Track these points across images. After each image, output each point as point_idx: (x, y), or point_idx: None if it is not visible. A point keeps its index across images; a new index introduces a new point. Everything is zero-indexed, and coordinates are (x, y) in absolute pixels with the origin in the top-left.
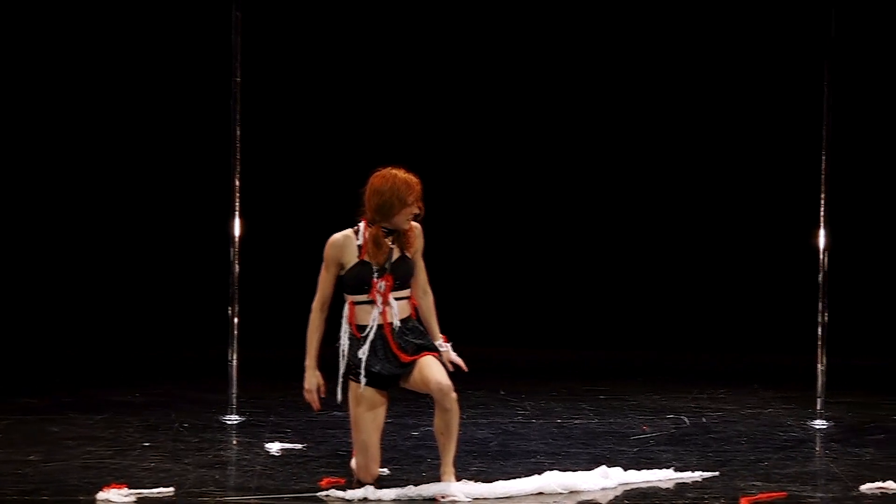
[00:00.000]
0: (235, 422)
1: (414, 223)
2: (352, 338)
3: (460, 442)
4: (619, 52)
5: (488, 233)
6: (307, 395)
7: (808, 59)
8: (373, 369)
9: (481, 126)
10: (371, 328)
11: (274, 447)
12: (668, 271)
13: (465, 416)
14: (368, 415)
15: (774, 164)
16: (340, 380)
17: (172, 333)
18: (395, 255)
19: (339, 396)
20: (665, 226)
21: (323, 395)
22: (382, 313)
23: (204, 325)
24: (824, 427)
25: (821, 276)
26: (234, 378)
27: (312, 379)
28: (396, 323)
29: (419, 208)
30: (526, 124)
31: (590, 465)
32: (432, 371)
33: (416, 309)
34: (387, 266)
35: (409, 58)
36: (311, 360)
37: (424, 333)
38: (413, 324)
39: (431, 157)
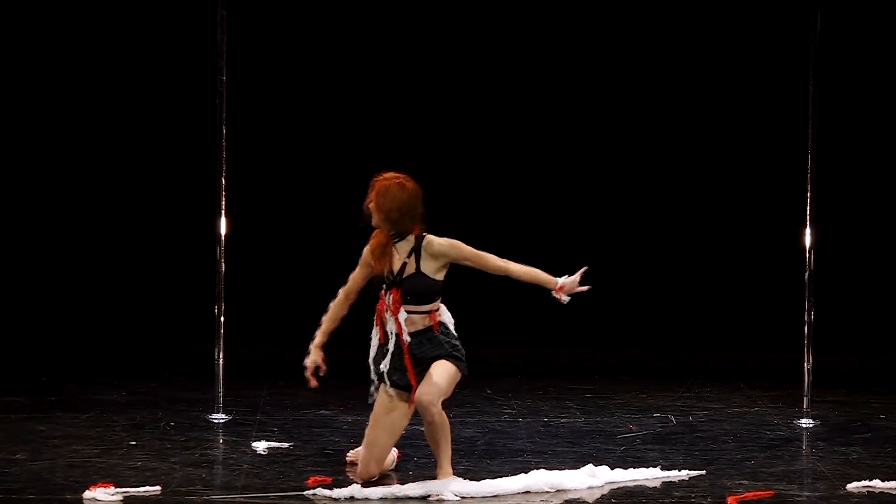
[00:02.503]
0: (222, 420)
1: (434, 238)
2: (379, 343)
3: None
4: (612, 55)
5: (475, 231)
6: (307, 371)
7: (793, 59)
8: (392, 378)
9: (472, 125)
10: (390, 340)
11: (261, 446)
12: (655, 270)
13: (451, 415)
14: (385, 416)
15: (760, 162)
16: (373, 378)
17: (159, 332)
18: (411, 269)
19: (371, 396)
20: (652, 224)
21: (322, 374)
22: (396, 324)
23: (190, 324)
24: (811, 426)
25: (807, 274)
26: (221, 377)
27: (312, 356)
28: (406, 338)
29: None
30: (513, 124)
31: (576, 464)
32: (423, 383)
33: (439, 323)
34: (398, 280)
35: (396, 56)
36: (317, 339)
37: (444, 344)
38: (432, 335)
39: (422, 156)
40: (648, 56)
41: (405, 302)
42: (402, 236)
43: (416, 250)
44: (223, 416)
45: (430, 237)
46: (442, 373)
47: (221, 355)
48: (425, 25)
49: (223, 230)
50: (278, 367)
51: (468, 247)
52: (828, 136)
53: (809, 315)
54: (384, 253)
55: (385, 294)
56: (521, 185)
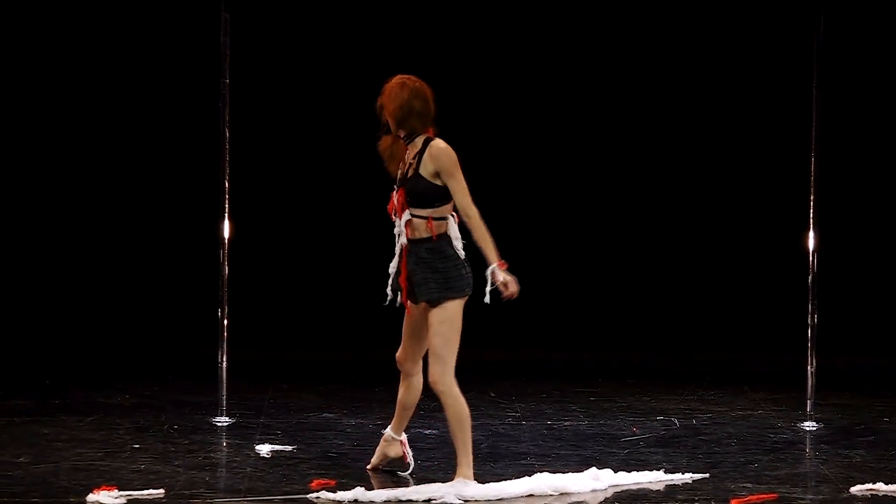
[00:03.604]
0: (225, 423)
1: (437, 143)
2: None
3: (449, 445)
4: (613, 56)
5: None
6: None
7: (797, 61)
8: (395, 280)
9: (476, 128)
10: (397, 242)
11: (264, 449)
12: (659, 272)
13: None
14: (408, 318)
15: (764, 165)
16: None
17: (162, 335)
18: (412, 170)
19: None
20: (655, 227)
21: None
22: (400, 227)
23: (193, 327)
24: (814, 429)
25: (810, 277)
26: (224, 380)
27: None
28: (403, 240)
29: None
30: (519, 125)
31: (580, 467)
32: (430, 359)
33: (440, 235)
34: (402, 180)
35: (399, 58)
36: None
37: (437, 273)
38: (425, 254)
39: None
40: (652, 59)
41: (409, 204)
42: (411, 138)
43: (421, 153)
44: (227, 419)
45: (436, 141)
46: (440, 341)
47: (225, 358)
48: (427, 27)
49: (226, 233)
50: (282, 370)
51: (455, 168)
52: (831, 139)
53: (813, 318)
54: (392, 154)
55: (394, 194)
56: (525, 186)
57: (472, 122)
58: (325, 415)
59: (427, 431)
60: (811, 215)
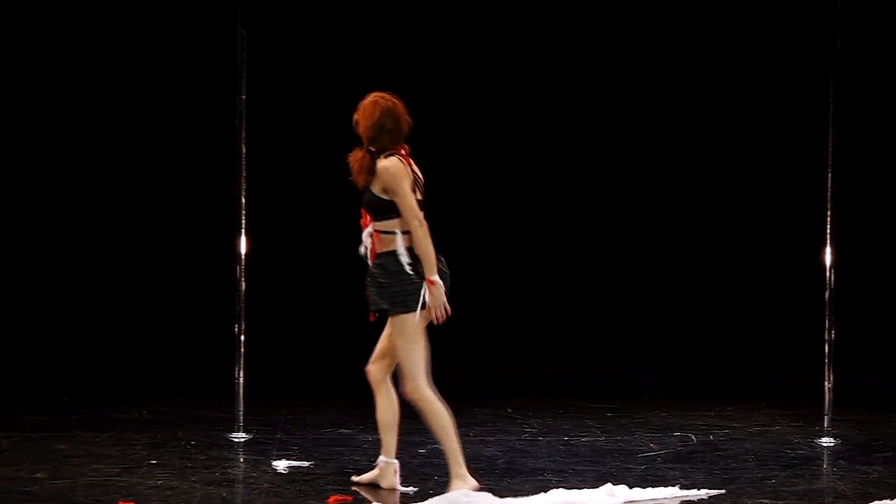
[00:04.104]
0: (242, 439)
1: (382, 161)
2: None
3: (467, 459)
4: (622, 63)
5: (490, 249)
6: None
7: (813, 76)
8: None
9: (477, 141)
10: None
11: (281, 465)
12: (675, 288)
13: (471, 434)
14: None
15: (781, 181)
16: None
17: (179, 350)
18: (370, 186)
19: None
20: (672, 241)
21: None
22: (363, 239)
23: (210, 342)
24: (832, 444)
25: (827, 293)
26: (241, 395)
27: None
28: (362, 250)
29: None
30: (521, 134)
31: (596, 483)
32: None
33: (386, 251)
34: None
35: (414, 76)
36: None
37: (381, 294)
38: (378, 266)
39: (428, 162)
40: (666, 70)
41: (372, 219)
42: (381, 154)
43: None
44: (244, 434)
45: (383, 159)
46: (401, 355)
47: (242, 374)
48: (439, 40)
49: (243, 249)
50: (298, 386)
51: (396, 184)
52: (848, 155)
53: (830, 333)
54: (361, 167)
55: (363, 208)
56: (539, 199)
57: (477, 136)
58: (341, 430)
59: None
60: (828, 231)
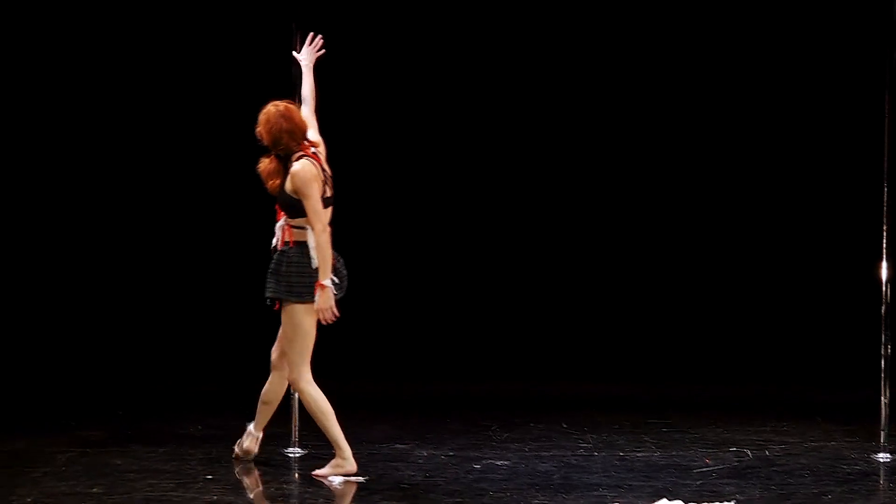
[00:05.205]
0: (298, 455)
1: (295, 166)
2: None
3: (522, 474)
4: (664, 72)
5: (548, 267)
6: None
7: (870, 88)
8: None
9: (488, 148)
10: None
11: (336, 480)
12: (731, 304)
13: (526, 449)
14: None
15: (836, 195)
16: None
17: (235, 365)
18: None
19: None
20: (729, 258)
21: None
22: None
23: (266, 358)
24: (888, 460)
25: (883, 308)
26: (297, 410)
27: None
28: (274, 242)
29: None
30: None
31: (652, 498)
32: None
33: (297, 241)
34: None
35: (463, 91)
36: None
37: (279, 281)
38: (282, 254)
39: (434, 166)
40: (714, 78)
41: (284, 214)
42: (289, 156)
43: (288, 169)
44: (299, 450)
45: (295, 165)
46: (286, 343)
47: None
48: (437, 37)
49: None
50: (353, 401)
51: (305, 188)
52: None
53: (886, 349)
54: (269, 174)
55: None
56: (599, 213)
57: (481, 141)
58: (396, 445)
59: (499, 462)
60: (884, 245)
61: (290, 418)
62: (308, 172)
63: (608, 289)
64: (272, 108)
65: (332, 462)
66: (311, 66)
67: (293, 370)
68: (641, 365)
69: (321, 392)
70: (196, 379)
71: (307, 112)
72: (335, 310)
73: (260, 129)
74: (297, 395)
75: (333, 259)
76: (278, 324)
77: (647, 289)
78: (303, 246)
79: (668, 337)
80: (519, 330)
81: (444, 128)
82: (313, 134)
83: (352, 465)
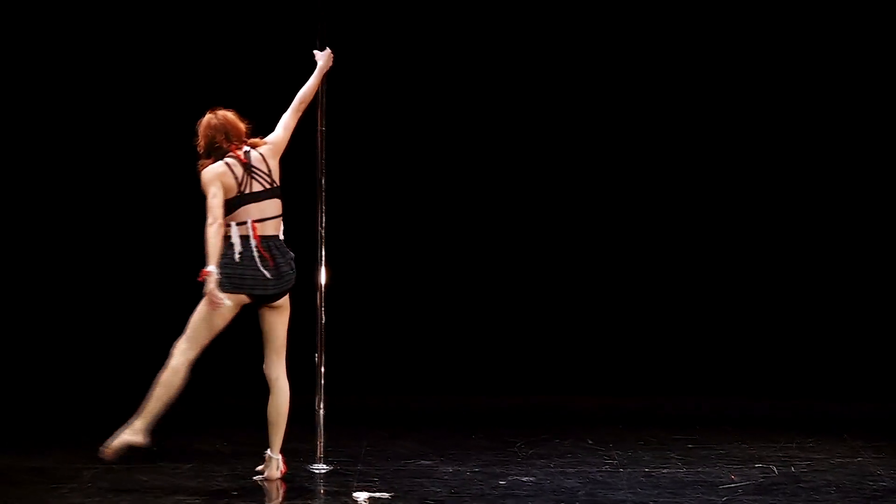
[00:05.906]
0: (323, 471)
1: (203, 169)
2: None
3: (548, 490)
4: (652, 82)
5: (577, 281)
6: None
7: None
8: None
9: (498, 147)
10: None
11: (361, 496)
12: (757, 319)
13: (552, 465)
14: None
15: (863, 206)
16: None
17: (259, 382)
18: None
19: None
20: (754, 271)
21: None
22: None
23: (291, 374)
24: None
25: None
26: (322, 426)
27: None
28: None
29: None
30: (595, 156)
31: None
32: None
33: (227, 237)
34: None
35: (493, 109)
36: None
37: (221, 266)
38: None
39: (437, 171)
40: (719, 88)
41: None
42: (220, 158)
43: None
44: (324, 466)
45: (215, 162)
46: (195, 315)
47: (322, 405)
48: (435, 37)
49: (323, 280)
50: (379, 417)
51: (204, 188)
52: None
53: None
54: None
55: None
56: (626, 221)
57: (494, 143)
58: (421, 462)
59: (525, 478)
60: None
61: (315, 435)
62: (207, 173)
63: (634, 304)
64: (211, 120)
65: (125, 428)
66: (323, 69)
67: (182, 339)
68: (666, 380)
69: (186, 375)
70: (220, 395)
71: (289, 110)
72: (217, 296)
73: (199, 139)
74: (320, 411)
75: (279, 256)
76: (303, 338)
77: (672, 304)
78: (227, 240)
79: (694, 352)
80: (545, 346)
81: (464, 144)
82: (281, 130)
83: (138, 438)
